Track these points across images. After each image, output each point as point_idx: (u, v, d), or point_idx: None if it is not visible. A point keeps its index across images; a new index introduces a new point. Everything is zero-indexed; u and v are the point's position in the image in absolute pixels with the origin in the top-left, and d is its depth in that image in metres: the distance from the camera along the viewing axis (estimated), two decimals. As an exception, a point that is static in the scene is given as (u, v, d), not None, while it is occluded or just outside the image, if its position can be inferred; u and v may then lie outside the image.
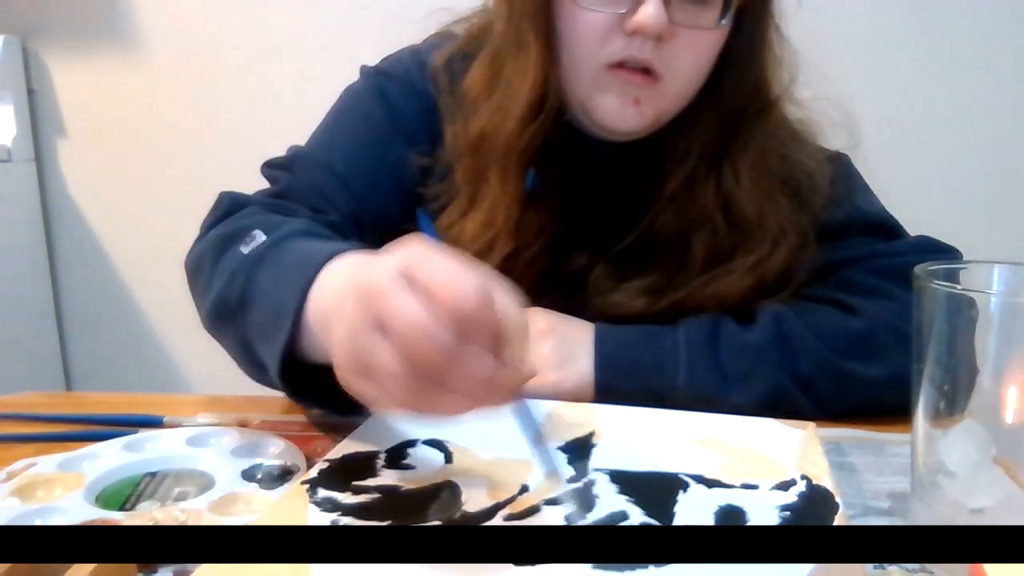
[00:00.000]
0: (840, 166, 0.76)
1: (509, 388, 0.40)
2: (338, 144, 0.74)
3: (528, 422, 0.43)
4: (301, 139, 0.76)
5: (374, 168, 0.73)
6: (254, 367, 0.59)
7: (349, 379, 0.42)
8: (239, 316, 0.57)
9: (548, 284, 0.71)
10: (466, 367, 0.37)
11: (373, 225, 0.72)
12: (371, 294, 0.38)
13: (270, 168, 0.74)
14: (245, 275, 0.57)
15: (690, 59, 0.66)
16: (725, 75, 0.69)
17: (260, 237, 0.59)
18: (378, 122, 0.74)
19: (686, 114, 0.70)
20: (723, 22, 0.65)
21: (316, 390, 0.55)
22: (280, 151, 0.78)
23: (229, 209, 0.67)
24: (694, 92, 0.69)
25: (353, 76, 0.79)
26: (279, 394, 0.67)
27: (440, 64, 0.74)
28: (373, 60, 0.80)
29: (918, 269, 0.43)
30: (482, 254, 0.70)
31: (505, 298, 0.40)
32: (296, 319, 0.51)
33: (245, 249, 0.59)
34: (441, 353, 0.37)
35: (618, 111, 0.67)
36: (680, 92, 0.68)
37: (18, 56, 1.80)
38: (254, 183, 0.70)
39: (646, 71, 0.65)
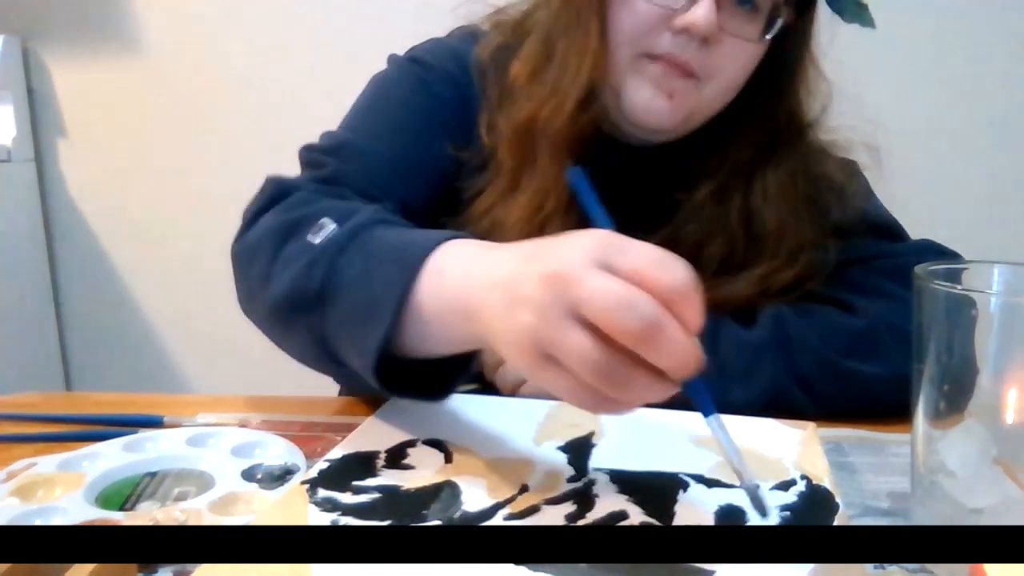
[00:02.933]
0: (849, 171, 0.76)
1: (691, 368, 0.39)
2: (383, 132, 0.72)
3: (706, 402, 0.43)
4: (302, 138, 0.75)
5: (419, 157, 0.72)
6: (328, 361, 0.57)
7: (531, 366, 0.41)
8: (317, 309, 0.54)
9: None
10: (668, 337, 0.37)
11: (417, 214, 0.70)
12: (564, 280, 0.39)
13: (312, 152, 0.70)
14: (326, 265, 0.54)
15: (729, 67, 0.67)
16: (763, 98, 0.71)
17: (330, 225, 0.56)
18: (420, 111, 0.73)
19: (721, 130, 0.71)
20: (767, 37, 0.67)
21: (405, 379, 0.53)
22: (280, 150, 0.78)
23: (277, 195, 0.64)
24: (725, 102, 0.70)
25: (353, 75, 0.79)
26: (279, 394, 0.68)
27: (486, 56, 0.74)
28: (377, 58, 0.79)
29: (918, 269, 0.43)
30: (530, 237, 0.70)
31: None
32: (398, 310, 0.49)
33: (315, 239, 0.56)
34: (646, 324, 0.37)
35: (649, 102, 0.67)
36: (713, 98, 0.69)
37: (18, 56, 1.80)
38: (254, 182, 0.69)
39: (685, 71, 0.66)
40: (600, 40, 0.66)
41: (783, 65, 0.71)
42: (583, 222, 0.71)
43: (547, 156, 0.69)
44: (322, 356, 0.56)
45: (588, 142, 0.69)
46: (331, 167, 0.68)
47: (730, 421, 0.58)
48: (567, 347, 0.39)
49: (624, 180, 0.73)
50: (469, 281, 0.47)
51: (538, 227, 0.70)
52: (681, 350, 0.38)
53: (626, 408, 0.42)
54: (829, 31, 0.71)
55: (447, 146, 0.73)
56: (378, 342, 0.49)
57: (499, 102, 0.73)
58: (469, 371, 0.54)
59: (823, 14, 0.71)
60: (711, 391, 0.43)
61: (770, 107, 0.72)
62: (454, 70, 0.75)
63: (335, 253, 0.54)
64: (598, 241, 0.40)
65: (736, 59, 0.67)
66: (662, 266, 0.39)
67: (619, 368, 0.38)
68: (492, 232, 0.71)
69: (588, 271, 0.39)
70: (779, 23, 0.67)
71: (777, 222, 0.71)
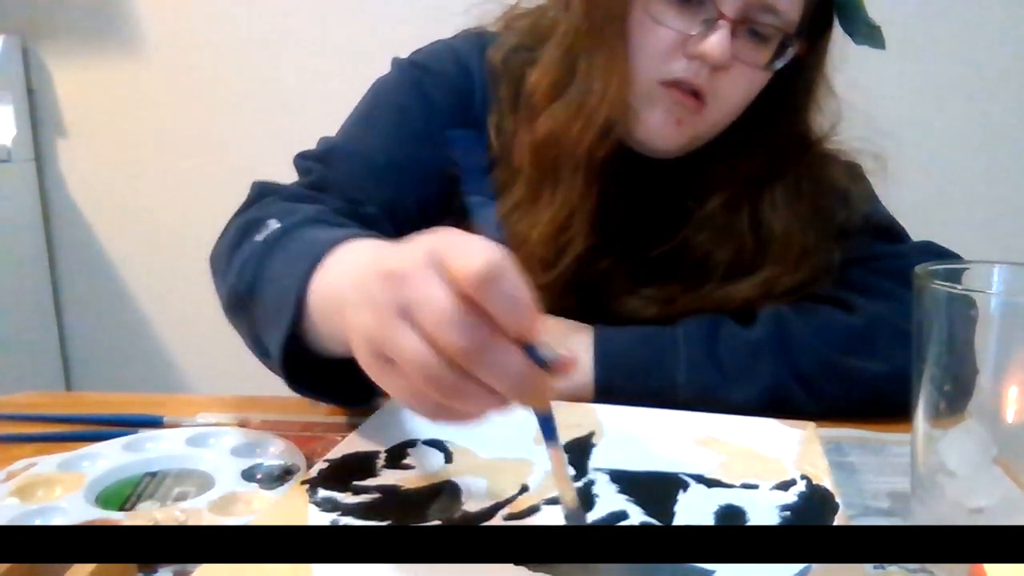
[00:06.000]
0: (853, 174, 0.77)
1: (539, 388, 0.37)
2: (374, 136, 0.73)
3: (550, 431, 0.40)
4: (302, 138, 0.76)
5: (410, 161, 0.72)
6: (264, 358, 0.57)
7: (370, 366, 0.39)
8: (249, 306, 0.56)
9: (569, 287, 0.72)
10: (495, 358, 0.35)
11: (409, 218, 0.71)
12: (396, 278, 0.37)
13: (304, 159, 0.72)
14: (255, 265, 0.56)
15: (736, 92, 0.69)
16: (774, 116, 0.72)
17: (274, 225, 0.58)
18: (414, 115, 0.74)
19: (732, 143, 0.72)
20: (776, 65, 0.68)
21: (323, 382, 0.54)
22: (280, 151, 0.78)
23: (255, 198, 0.66)
24: (727, 123, 0.71)
25: (356, 76, 0.79)
26: (279, 394, 0.67)
27: (499, 57, 0.74)
28: (382, 59, 0.79)
29: (918, 269, 0.43)
30: (555, 255, 0.70)
31: (520, 283, 0.36)
32: (299, 307, 0.49)
33: (259, 238, 0.58)
34: (467, 341, 0.35)
35: (660, 128, 0.69)
36: (718, 120, 0.70)
37: (18, 56, 1.80)
38: (253, 182, 0.69)
39: (695, 94, 0.67)
40: (624, 63, 0.67)
41: (796, 87, 0.71)
42: (607, 242, 0.72)
43: (571, 173, 0.69)
44: (262, 353, 0.57)
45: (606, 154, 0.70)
46: (316, 173, 0.69)
47: (730, 421, 0.59)
48: (399, 349, 0.37)
49: (638, 189, 0.73)
50: (344, 279, 0.45)
51: (562, 245, 0.70)
52: (511, 372, 0.36)
53: (466, 419, 0.39)
54: (839, 46, 0.72)
55: (444, 151, 0.73)
56: (281, 337, 0.50)
57: (512, 105, 0.73)
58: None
59: (834, 30, 0.71)
60: (552, 419, 0.40)
61: (781, 125, 0.73)
62: (454, 73, 0.75)
63: (264, 253, 0.56)
64: (439, 239, 0.37)
65: (742, 84, 0.68)
66: (492, 274, 0.35)
67: (450, 376, 0.36)
68: (511, 245, 0.71)
69: (422, 272, 0.36)
70: (788, 52, 0.67)
71: (784, 229, 0.72)
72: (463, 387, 0.36)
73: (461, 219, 0.73)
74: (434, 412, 0.39)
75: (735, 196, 0.72)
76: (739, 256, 0.72)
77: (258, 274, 0.55)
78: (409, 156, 0.72)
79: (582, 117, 0.68)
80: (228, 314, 0.61)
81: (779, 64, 0.68)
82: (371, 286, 0.38)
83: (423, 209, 0.73)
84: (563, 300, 0.70)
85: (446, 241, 0.37)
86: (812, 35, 0.69)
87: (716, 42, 0.63)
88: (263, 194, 0.66)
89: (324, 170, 0.69)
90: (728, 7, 0.64)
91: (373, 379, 0.40)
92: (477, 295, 0.35)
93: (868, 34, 0.70)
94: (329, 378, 0.54)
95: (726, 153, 0.72)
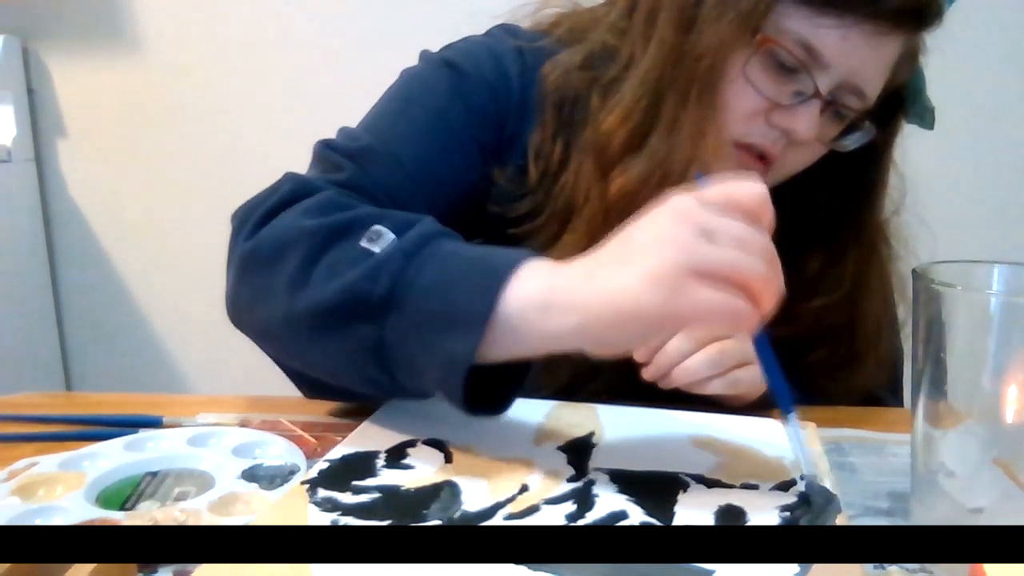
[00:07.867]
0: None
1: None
2: (409, 140, 0.68)
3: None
4: (303, 138, 0.75)
5: (445, 171, 0.69)
6: (374, 369, 0.53)
7: (677, 290, 0.44)
8: (378, 317, 0.51)
9: None
10: (772, 287, 0.45)
11: None
12: (687, 213, 0.45)
13: (330, 151, 0.66)
14: (393, 273, 0.51)
15: (800, 162, 0.68)
16: (857, 204, 0.72)
17: (388, 234, 0.54)
18: (452, 123, 0.70)
19: (819, 237, 0.73)
20: (846, 144, 0.67)
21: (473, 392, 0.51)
22: (281, 150, 0.77)
23: (297, 194, 0.60)
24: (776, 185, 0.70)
25: (356, 75, 0.79)
26: (279, 394, 0.68)
27: (555, 76, 0.70)
28: (381, 58, 0.78)
29: (918, 269, 0.43)
30: None
31: None
32: (486, 321, 0.48)
33: (372, 246, 0.53)
34: (767, 241, 0.45)
35: None
36: (774, 183, 0.68)
37: (18, 56, 1.80)
38: (253, 182, 0.69)
39: (761, 157, 0.66)
40: (714, 122, 0.64)
41: (872, 172, 0.72)
42: None
43: None
44: (368, 366, 0.53)
45: None
46: (348, 172, 0.64)
47: (730, 421, 0.59)
48: (717, 258, 0.44)
49: None
50: (556, 282, 0.48)
51: None
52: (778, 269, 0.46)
53: (750, 321, 0.45)
54: None
55: (479, 162, 0.70)
56: (469, 351, 0.48)
57: (558, 129, 0.70)
58: (524, 383, 0.53)
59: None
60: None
61: (864, 213, 0.73)
62: (492, 78, 0.71)
63: (403, 261, 0.52)
64: (683, 199, 0.47)
65: (808, 157, 0.68)
66: (765, 195, 0.46)
67: (763, 267, 0.45)
68: None
69: (702, 207, 0.46)
70: (859, 135, 0.67)
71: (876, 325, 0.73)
72: (769, 278, 0.45)
73: (494, 238, 0.70)
74: (741, 318, 0.45)
75: (835, 298, 0.72)
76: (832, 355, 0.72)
77: (400, 283, 0.51)
78: (445, 167, 0.69)
79: (662, 176, 0.65)
80: (321, 321, 0.54)
81: (850, 145, 0.67)
82: (668, 229, 0.46)
83: (453, 222, 0.70)
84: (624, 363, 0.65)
85: (710, 187, 0.47)
86: (881, 119, 0.68)
87: (806, 119, 0.62)
88: (305, 189, 0.61)
89: (357, 170, 0.65)
90: (823, 85, 0.62)
91: (673, 304, 0.44)
92: (758, 210, 0.46)
93: (922, 114, 0.70)
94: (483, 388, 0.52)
95: (821, 251, 0.72)
